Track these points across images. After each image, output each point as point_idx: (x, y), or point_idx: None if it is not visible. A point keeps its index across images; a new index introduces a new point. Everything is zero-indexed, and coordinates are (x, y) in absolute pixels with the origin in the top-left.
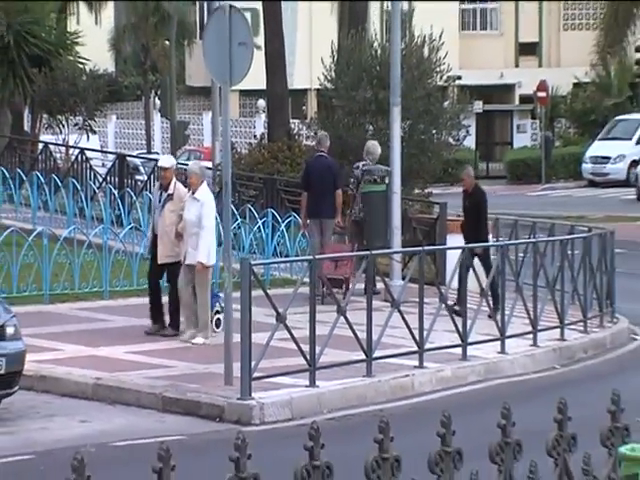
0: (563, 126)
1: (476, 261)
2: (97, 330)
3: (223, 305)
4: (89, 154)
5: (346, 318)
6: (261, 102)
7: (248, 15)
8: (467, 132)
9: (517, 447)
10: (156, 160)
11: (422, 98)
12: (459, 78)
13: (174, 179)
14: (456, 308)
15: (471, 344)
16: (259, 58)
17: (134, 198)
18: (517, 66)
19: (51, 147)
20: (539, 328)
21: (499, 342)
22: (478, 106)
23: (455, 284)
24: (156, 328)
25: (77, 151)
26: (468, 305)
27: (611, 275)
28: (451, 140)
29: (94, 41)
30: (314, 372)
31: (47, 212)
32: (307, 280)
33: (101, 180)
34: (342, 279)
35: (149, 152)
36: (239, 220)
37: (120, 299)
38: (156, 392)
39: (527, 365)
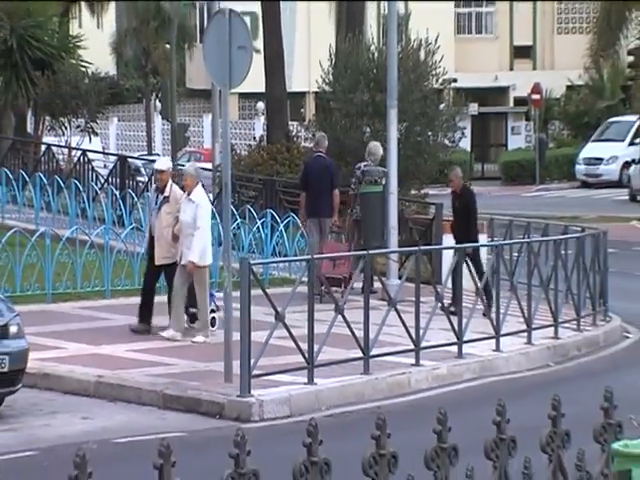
0: (557, 128)
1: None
2: (99, 328)
3: (218, 304)
4: (91, 156)
5: (344, 317)
6: (260, 105)
7: (247, 19)
8: (462, 134)
9: (512, 443)
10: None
11: (418, 101)
12: (455, 81)
13: (170, 181)
14: (452, 309)
15: (466, 342)
16: (258, 61)
17: (135, 199)
18: (512, 69)
19: (54, 149)
20: (533, 326)
21: (494, 340)
22: (473, 108)
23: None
24: (142, 327)
25: (79, 153)
26: (463, 304)
27: (604, 274)
28: (447, 142)
29: (96, 44)
30: (312, 370)
31: (50, 213)
32: (305, 279)
33: (103, 181)
34: (340, 278)
35: (150, 154)
36: (239, 220)
37: (122, 298)
38: (157, 389)
39: (521, 363)
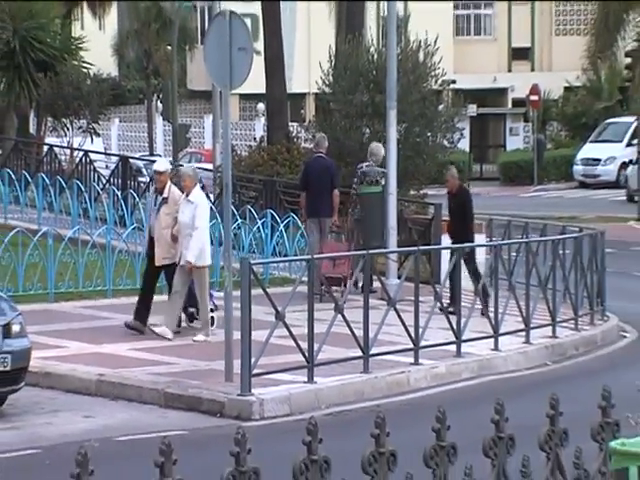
0: (555, 129)
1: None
2: (101, 328)
3: (217, 303)
4: (93, 156)
5: (343, 316)
6: (261, 106)
7: (248, 21)
8: (461, 135)
9: (510, 442)
10: None
11: (417, 102)
12: (453, 82)
13: (169, 183)
14: (450, 309)
15: (465, 341)
16: (259, 63)
17: (137, 199)
18: (510, 70)
19: (56, 149)
20: (531, 326)
21: (492, 339)
22: (472, 109)
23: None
24: (137, 325)
25: (81, 153)
26: (462, 303)
27: (601, 274)
28: (446, 143)
29: (98, 46)
30: (312, 369)
31: (52, 213)
32: (305, 279)
33: (105, 182)
34: (340, 277)
35: (151, 154)
36: (239, 220)
37: (123, 297)
38: (158, 388)
39: (520, 362)
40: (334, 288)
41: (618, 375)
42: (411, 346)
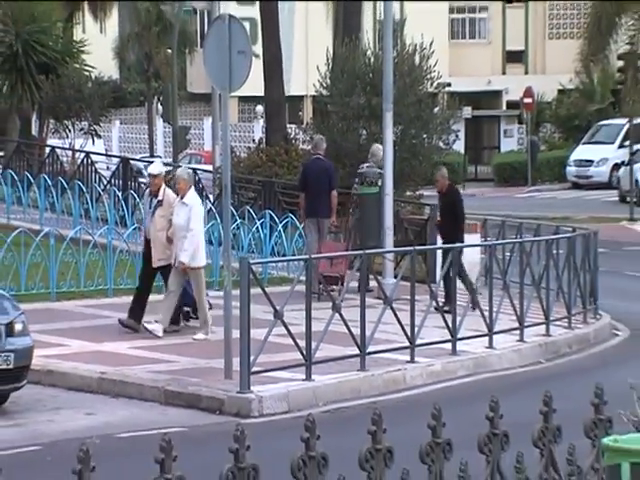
0: (548, 131)
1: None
2: (102, 326)
3: (212, 302)
4: (94, 158)
5: (341, 315)
6: (259, 108)
7: (247, 24)
8: (456, 137)
9: (504, 438)
10: None
11: (413, 104)
12: (449, 85)
13: (163, 185)
14: (446, 308)
15: (460, 339)
16: (257, 66)
17: (137, 200)
18: (504, 73)
19: (58, 151)
20: (525, 324)
21: (487, 338)
22: (467, 112)
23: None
24: (131, 323)
25: (83, 155)
26: (457, 302)
27: (594, 273)
28: (441, 144)
29: (99, 49)
30: (310, 366)
31: (54, 213)
32: (303, 278)
33: (106, 183)
34: (337, 276)
35: (152, 156)
36: (238, 221)
37: (124, 297)
38: (158, 386)
39: (514, 360)
40: (331, 287)
41: (610, 372)
42: (407, 344)
